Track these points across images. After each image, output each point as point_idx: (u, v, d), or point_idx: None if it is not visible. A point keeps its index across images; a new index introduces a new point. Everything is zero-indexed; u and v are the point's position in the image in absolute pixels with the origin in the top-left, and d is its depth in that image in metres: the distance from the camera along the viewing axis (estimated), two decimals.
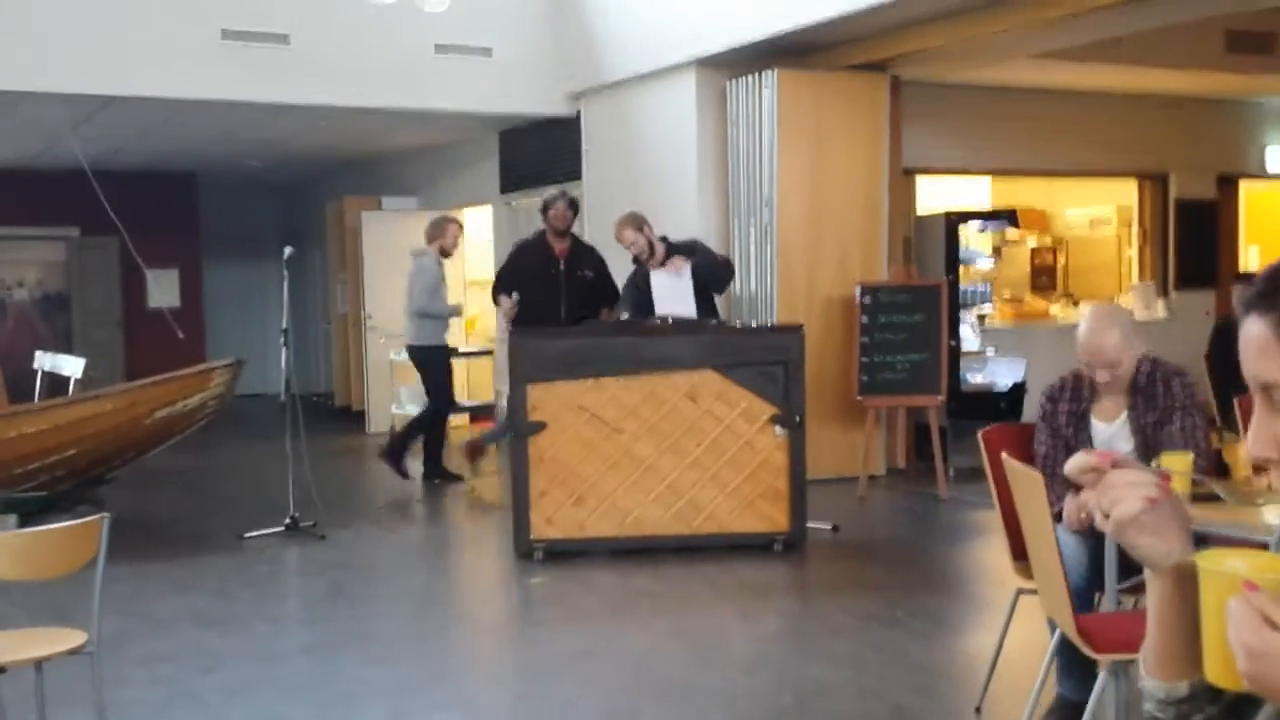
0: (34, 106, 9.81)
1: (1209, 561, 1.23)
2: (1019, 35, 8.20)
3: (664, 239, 7.71)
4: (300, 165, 14.43)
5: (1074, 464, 1.34)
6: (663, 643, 5.31)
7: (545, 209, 8.33)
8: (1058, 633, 3.93)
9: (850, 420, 8.81)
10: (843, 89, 8.94)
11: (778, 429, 6.72)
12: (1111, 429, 4.06)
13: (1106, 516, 1.31)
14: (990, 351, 9.53)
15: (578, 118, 10.65)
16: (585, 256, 8.37)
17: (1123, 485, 1.31)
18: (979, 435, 4.30)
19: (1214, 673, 1.23)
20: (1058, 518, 3.75)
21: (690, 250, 7.61)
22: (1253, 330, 1.26)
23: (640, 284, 7.57)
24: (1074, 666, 3.85)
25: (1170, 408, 4.01)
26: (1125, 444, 4.01)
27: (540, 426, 6.70)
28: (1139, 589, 3.89)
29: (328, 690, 4.77)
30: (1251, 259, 11.97)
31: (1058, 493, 3.87)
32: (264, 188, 16.25)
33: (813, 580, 6.45)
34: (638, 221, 7.69)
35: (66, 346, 13.40)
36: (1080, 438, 4.04)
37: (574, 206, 8.42)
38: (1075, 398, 4.07)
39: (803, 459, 6.77)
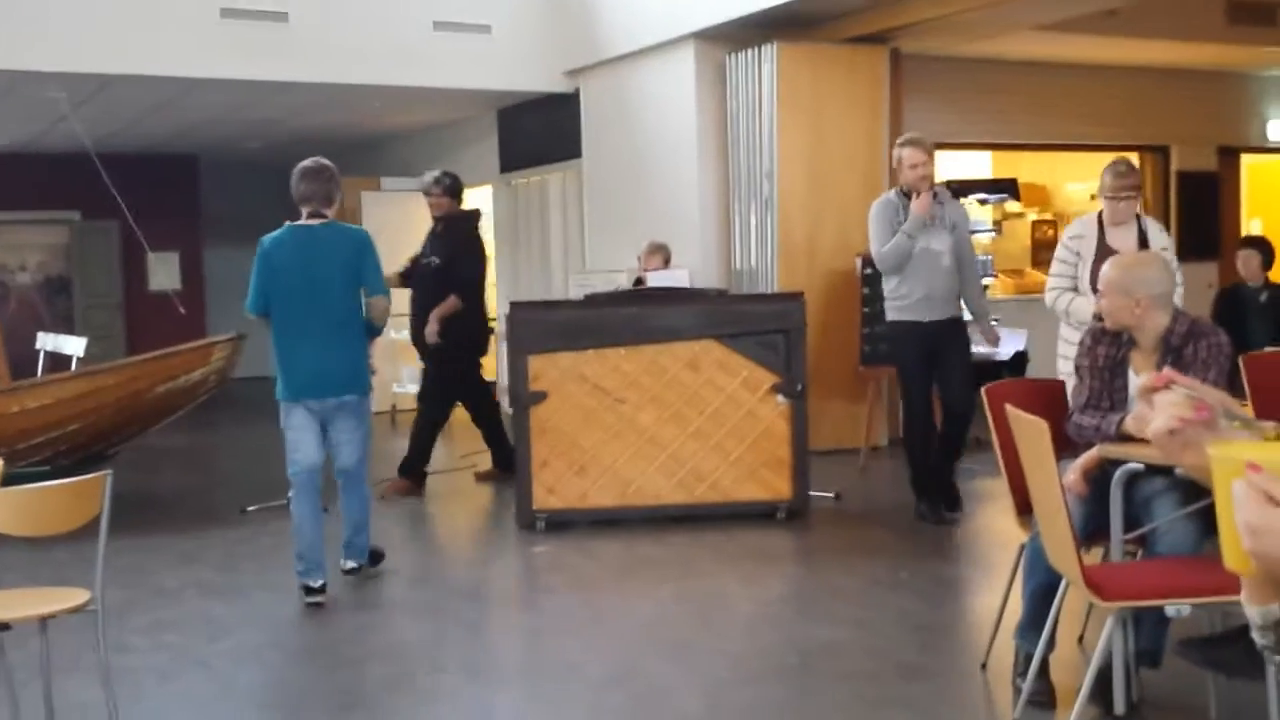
0: (32, 86, 9.78)
1: (1220, 450, 1.24)
2: (1019, 7, 8.19)
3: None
4: (300, 147, 14.30)
5: (1140, 385, 1.46)
6: (667, 607, 5.32)
7: (426, 194, 8.06)
8: (1030, 586, 3.94)
9: (852, 392, 8.81)
10: (843, 62, 8.92)
11: (779, 397, 6.72)
12: (1142, 379, 4.04)
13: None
14: (992, 322, 9.50)
15: (576, 95, 10.63)
16: (437, 241, 7.94)
17: (1161, 405, 1.42)
18: (982, 391, 4.30)
19: (1230, 558, 1.23)
20: (1110, 438, 3.80)
21: None
22: None
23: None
24: (1042, 619, 3.84)
25: (1196, 369, 4.02)
26: None
27: (541, 397, 6.70)
28: (1143, 540, 3.90)
29: (333, 654, 4.77)
30: (1253, 231, 11.95)
31: (1096, 423, 3.92)
32: (264, 170, 16.16)
33: (816, 546, 6.45)
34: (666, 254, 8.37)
35: (68, 329, 13.37)
36: (1116, 384, 4.03)
37: (451, 191, 7.96)
38: (1114, 343, 4.05)
39: (805, 427, 6.77)
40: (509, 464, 7.39)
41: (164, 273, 14.12)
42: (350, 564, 5.80)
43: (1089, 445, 3.95)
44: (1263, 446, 1.30)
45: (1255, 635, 1.33)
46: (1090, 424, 3.97)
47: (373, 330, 5.68)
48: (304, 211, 5.58)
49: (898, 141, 6.61)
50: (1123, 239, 5.55)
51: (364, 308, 5.56)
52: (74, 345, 9.35)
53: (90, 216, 14.70)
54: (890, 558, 5.97)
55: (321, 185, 5.53)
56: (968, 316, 6.70)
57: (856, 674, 4.34)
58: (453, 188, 8.14)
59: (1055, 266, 5.70)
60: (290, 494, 5.62)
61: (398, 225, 11.94)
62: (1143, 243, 5.58)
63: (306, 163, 5.66)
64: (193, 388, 7.53)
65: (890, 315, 6.60)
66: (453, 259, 7.88)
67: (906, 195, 6.45)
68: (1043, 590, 3.88)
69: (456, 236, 8.00)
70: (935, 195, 6.42)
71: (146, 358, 7.56)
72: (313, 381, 5.45)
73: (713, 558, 6.10)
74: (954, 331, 6.53)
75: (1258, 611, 1.31)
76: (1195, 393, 1.41)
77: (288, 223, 5.61)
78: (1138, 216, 5.69)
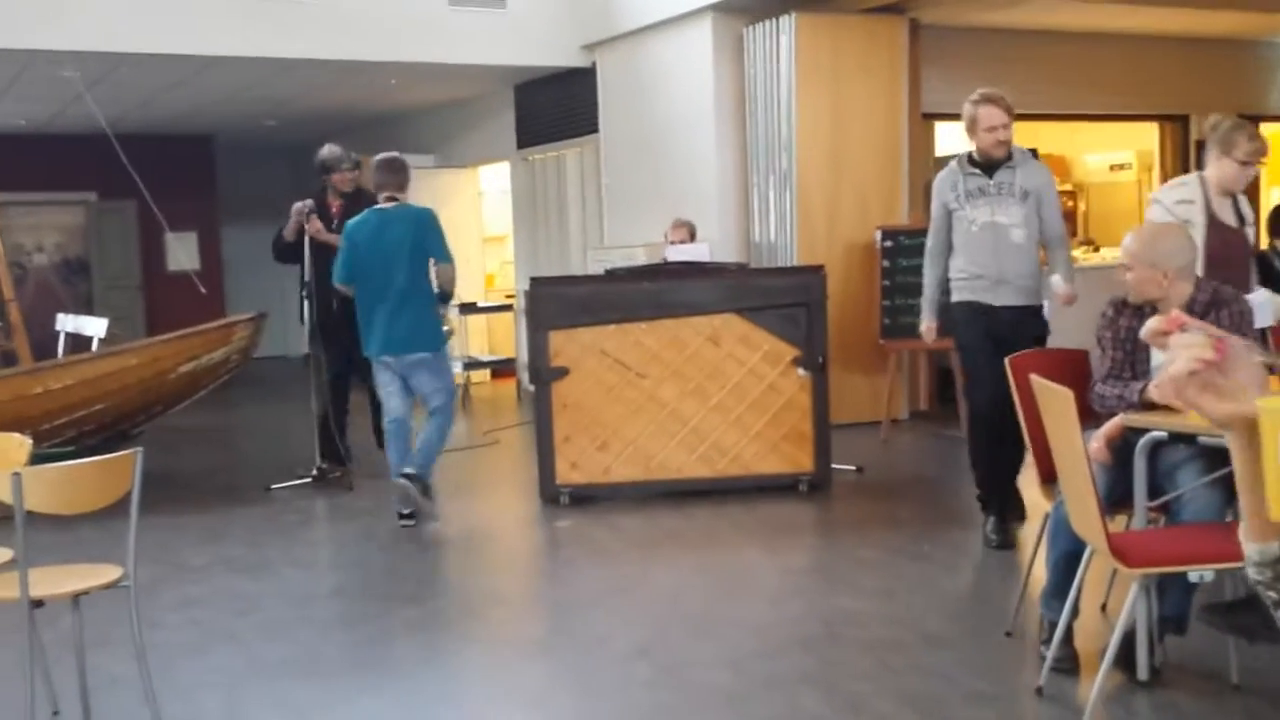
0: (47, 66, 9.80)
1: (1269, 402, 1.24)
2: None
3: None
4: (316, 125, 14.39)
5: (1148, 327, 1.41)
6: (690, 578, 5.34)
7: (329, 168, 7.68)
8: (1054, 554, 3.94)
9: (872, 365, 8.81)
10: (861, 32, 8.88)
11: (800, 370, 6.72)
12: (1150, 324, 4.00)
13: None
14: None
15: (593, 69, 10.60)
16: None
17: (1179, 347, 1.37)
18: (1006, 362, 4.29)
19: (1278, 509, 1.24)
20: (1133, 406, 3.79)
21: None
22: None
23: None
24: (1066, 587, 3.85)
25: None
26: None
27: (563, 372, 6.72)
28: (1166, 507, 3.90)
29: (361, 629, 4.81)
30: (1274, 201, 11.86)
31: (1119, 393, 3.94)
32: (281, 148, 16.22)
33: (838, 518, 6.46)
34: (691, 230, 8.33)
35: (87, 311, 13.43)
36: (1138, 355, 4.03)
37: (359, 167, 7.84)
38: (1136, 315, 4.03)
39: (826, 400, 6.77)
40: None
41: (182, 253, 14.16)
42: (408, 470, 6.39)
43: (1110, 415, 3.94)
44: None
45: (1250, 571, 1.34)
46: (1112, 393, 3.97)
47: (444, 295, 6.54)
48: (381, 197, 6.51)
49: (972, 97, 5.56)
50: (1228, 210, 4.98)
51: (433, 275, 6.40)
52: (95, 326, 9.40)
53: (107, 197, 14.74)
54: (913, 529, 5.98)
55: (394, 175, 6.52)
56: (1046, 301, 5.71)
57: (881, 643, 4.36)
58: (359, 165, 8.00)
59: None
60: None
61: (414, 201, 11.95)
62: (1237, 214, 5.03)
63: (383, 156, 6.64)
64: (215, 367, 7.58)
65: (953, 295, 5.72)
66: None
67: (976, 163, 5.56)
68: (1066, 559, 3.89)
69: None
70: (1010, 157, 5.52)
71: (169, 337, 7.60)
72: (387, 341, 6.36)
73: (735, 530, 6.12)
74: (1029, 322, 5.51)
75: (1256, 548, 1.33)
76: (1213, 331, 1.37)
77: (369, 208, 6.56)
78: None
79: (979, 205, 5.52)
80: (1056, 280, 5.62)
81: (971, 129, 5.56)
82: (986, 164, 5.53)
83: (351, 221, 6.51)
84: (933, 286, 5.81)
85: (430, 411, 6.51)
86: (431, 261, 6.44)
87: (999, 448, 5.47)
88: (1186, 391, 1.36)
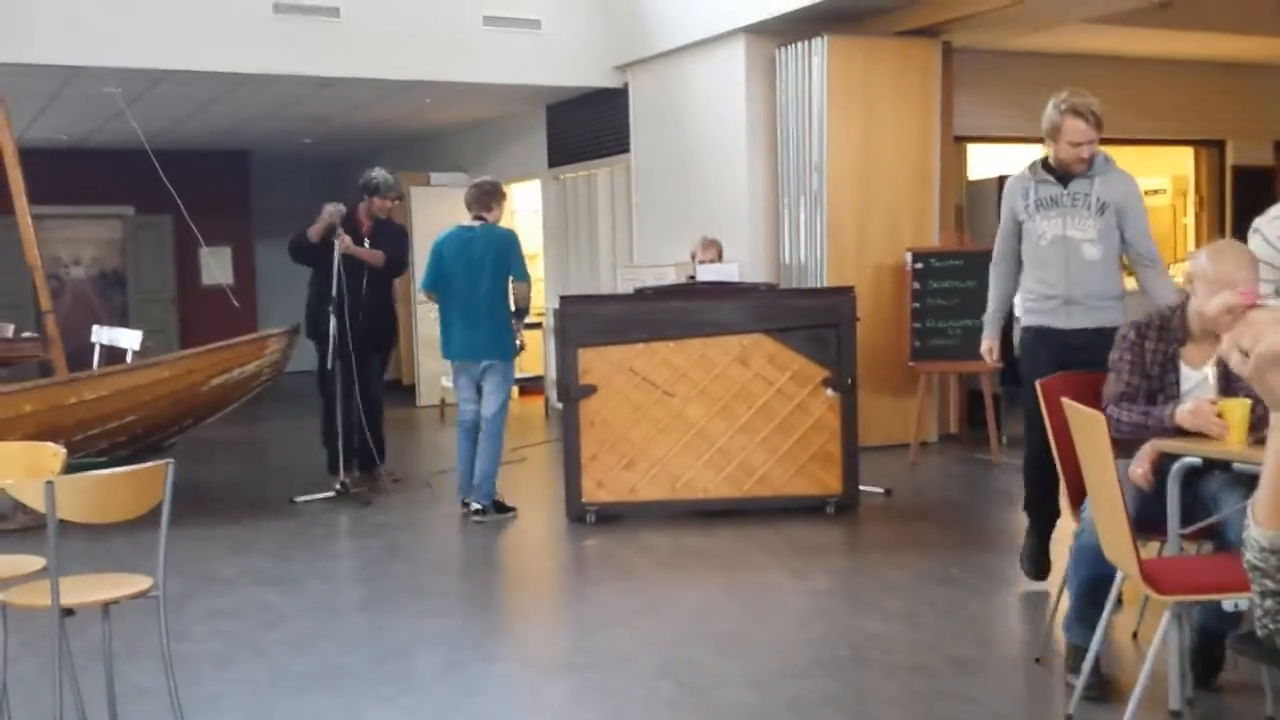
0: (88, 82, 9.93)
1: None
2: (1070, 0, 8.10)
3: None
4: (350, 142, 14.52)
5: (1216, 303, 1.36)
6: (716, 599, 5.33)
7: (377, 190, 7.90)
8: (1077, 579, 3.90)
9: (902, 387, 8.77)
10: (894, 55, 8.88)
11: (829, 391, 6.70)
12: (1198, 375, 3.94)
13: (1245, 356, 1.30)
14: None
15: (625, 89, 10.65)
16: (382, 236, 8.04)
17: (1267, 322, 1.31)
18: (1037, 384, 4.27)
19: None
20: (1125, 452, 3.71)
21: None
22: None
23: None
24: (1089, 612, 3.81)
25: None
26: (1209, 394, 3.87)
27: (591, 390, 6.72)
28: (1200, 535, 3.86)
29: (386, 643, 4.82)
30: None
31: (1141, 419, 3.83)
32: (315, 164, 16.37)
33: (866, 541, 6.43)
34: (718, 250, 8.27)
35: (122, 323, 13.57)
36: (1167, 379, 3.94)
37: (401, 199, 8.29)
38: (1164, 338, 3.95)
39: (855, 421, 6.75)
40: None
41: (217, 267, 14.28)
42: (475, 506, 7.03)
43: (1126, 439, 3.86)
44: None
45: (1252, 556, 1.32)
46: (1131, 418, 3.86)
47: (520, 311, 7.12)
48: (470, 215, 7.14)
49: (1058, 102, 4.99)
50: None
51: (511, 291, 7.02)
52: (129, 338, 9.47)
53: (144, 211, 14.90)
54: (941, 553, 5.94)
55: (482, 196, 7.13)
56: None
57: (908, 667, 4.33)
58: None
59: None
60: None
61: (446, 220, 11.95)
62: None
63: (479, 179, 7.32)
64: (247, 380, 7.62)
65: (1020, 318, 5.37)
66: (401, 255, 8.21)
67: (1051, 171, 5.07)
68: (1090, 584, 3.86)
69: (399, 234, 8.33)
70: (1089, 165, 5.01)
71: (202, 350, 7.65)
72: (463, 346, 7.02)
73: (762, 551, 6.10)
74: (1103, 347, 4.39)
75: (1265, 535, 1.31)
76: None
77: (456, 224, 7.22)
78: None
79: (1050, 217, 5.04)
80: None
81: (1054, 136, 5.03)
82: (1063, 172, 5.06)
83: (440, 236, 7.17)
84: (997, 300, 5.37)
85: (483, 418, 7.04)
86: (510, 279, 7.00)
87: (1052, 500, 4.98)
88: (1269, 372, 1.29)
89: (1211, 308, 1.14)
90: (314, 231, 7.71)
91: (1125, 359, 4.00)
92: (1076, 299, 4.99)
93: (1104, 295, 5.01)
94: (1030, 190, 5.10)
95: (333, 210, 7.72)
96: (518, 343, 7.19)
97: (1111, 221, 5.01)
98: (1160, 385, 3.96)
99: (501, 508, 7.07)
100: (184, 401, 7.52)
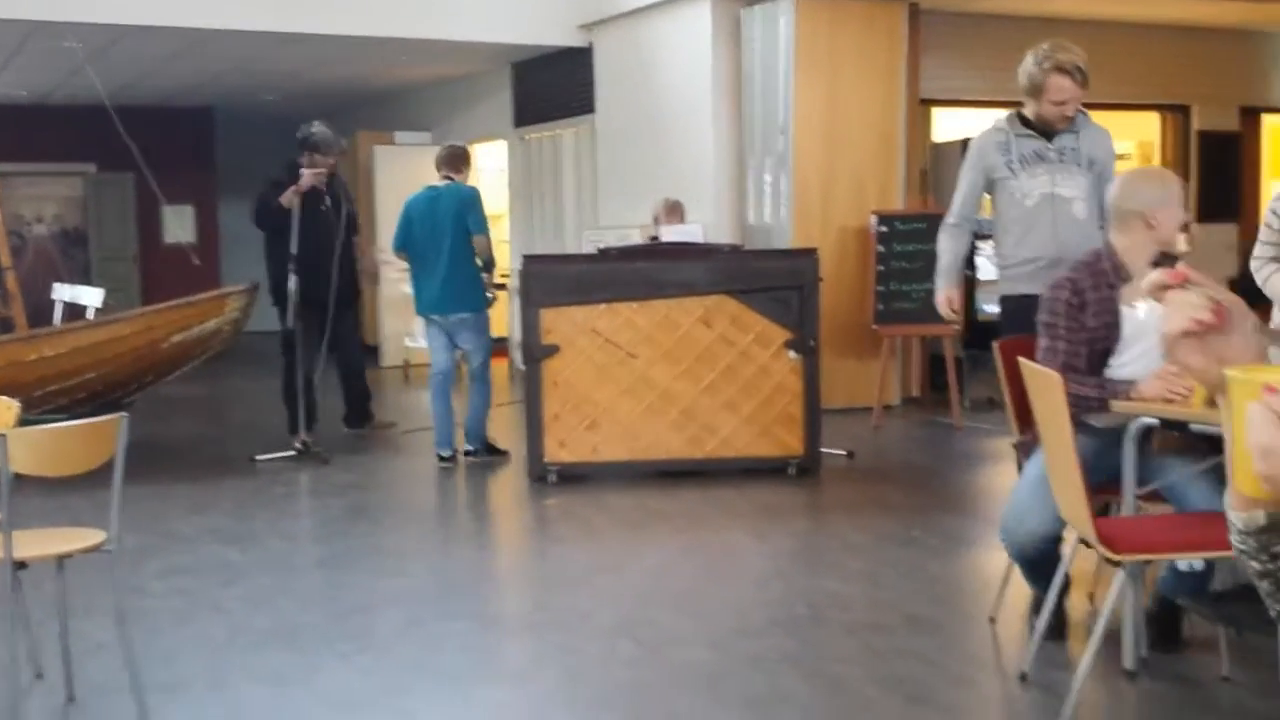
0: (48, 37, 9.76)
1: (1237, 372, 1.23)
2: None
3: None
4: (314, 100, 14.36)
5: (1150, 280, 1.35)
6: (676, 559, 5.35)
7: (317, 148, 7.71)
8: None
9: (865, 350, 8.80)
10: (860, 17, 8.85)
11: (792, 353, 6.71)
12: (1139, 313, 3.80)
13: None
14: None
15: (590, 49, 10.57)
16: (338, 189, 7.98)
17: (1177, 303, 1.32)
18: (994, 345, 4.29)
19: (1240, 481, 1.23)
20: (1075, 422, 3.69)
21: None
22: None
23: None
24: (1044, 566, 3.87)
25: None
26: (1151, 338, 3.88)
27: (553, 351, 6.71)
28: (1155, 496, 3.90)
29: (345, 600, 4.82)
30: (1275, 192, 11.86)
31: (1096, 391, 3.72)
32: (280, 123, 16.13)
33: (827, 502, 6.47)
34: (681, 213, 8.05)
35: (85, 282, 13.41)
36: (1111, 329, 3.80)
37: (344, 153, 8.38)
38: (1099, 285, 3.81)
39: (817, 383, 6.77)
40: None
41: (179, 225, 14.12)
42: (469, 447, 7.36)
43: (1087, 411, 3.79)
44: None
45: (1234, 539, 1.33)
46: (1085, 392, 3.69)
47: (486, 263, 7.35)
48: (439, 175, 7.39)
49: (1039, 59, 4.71)
50: None
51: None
52: (91, 296, 9.38)
53: (105, 169, 14.71)
54: (901, 514, 5.98)
55: (451, 158, 7.45)
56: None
57: (865, 626, 4.36)
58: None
59: (1261, 233, 4.49)
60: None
61: (410, 179, 11.87)
62: None
63: (449, 144, 7.68)
64: (207, 338, 7.56)
65: (1000, 286, 5.01)
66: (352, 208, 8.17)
67: (1029, 125, 4.81)
68: (1025, 567, 3.98)
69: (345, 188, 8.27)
70: (1072, 121, 4.79)
71: (162, 307, 7.59)
72: (434, 301, 7.25)
73: (723, 512, 6.12)
74: None
75: (1239, 517, 1.32)
76: (1213, 293, 1.34)
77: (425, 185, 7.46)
78: None
79: (1036, 174, 4.71)
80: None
81: (1034, 95, 4.76)
82: (1044, 127, 4.76)
83: (409, 197, 7.43)
84: (951, 254, 5.08)
85: (471, 374, 7.41)
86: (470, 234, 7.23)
87: None
88: (1178, 351, 1.33)
89: (1148, 283, 1.15)
90: (287, 198, 7.53)
91: (1061, 326, 3.80)
92: (1065, 261, 4.40)
93: None
94: (1010, 145, 4.79)
95: (315, 175, 7.57)
96: (489, 295, 7.43)
97: (1095, 180, 4.75)
98: (1104, 334, 3.80)
99: (493, 449, 7.37)
100: (144, 358, 7.46)
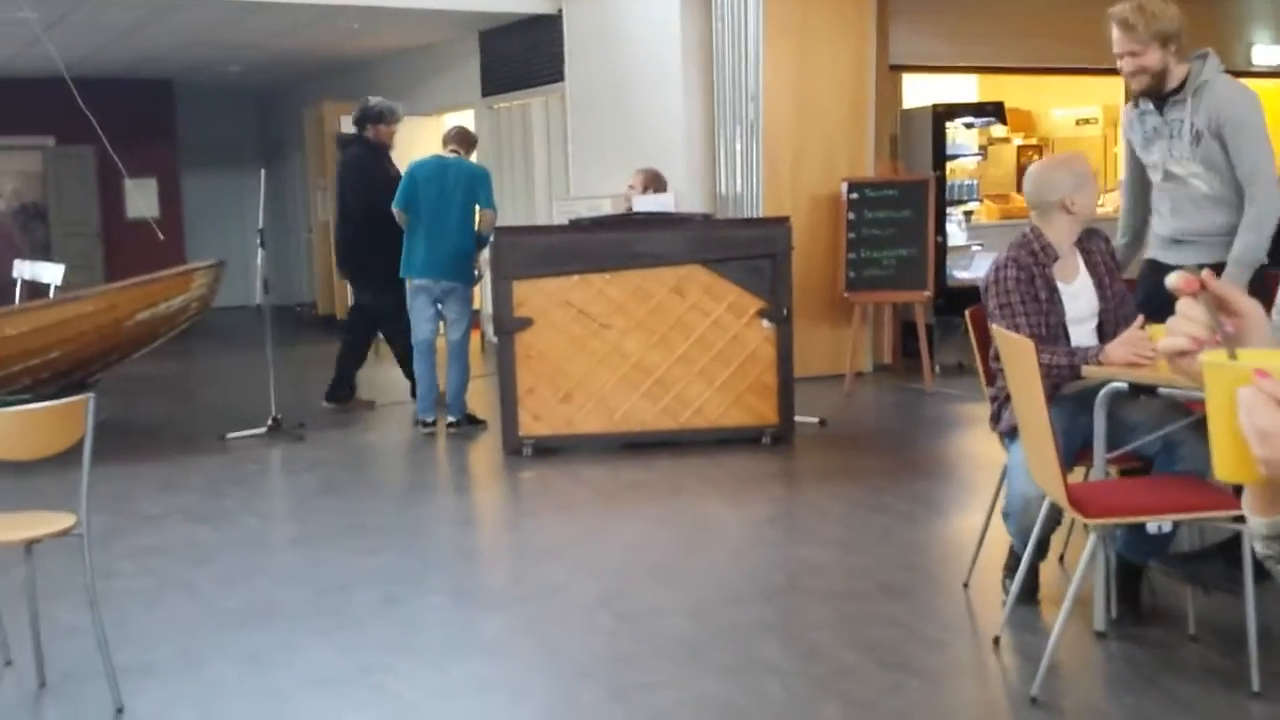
0: (2, 7, 9.58)
1: (1214, 358, 1.21)
2: None
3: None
4: (278, 71, 14.19)
5: (1169, 283, 1.30)
6: (652, 530, 5.34)
7: (381, 119, 7.96)
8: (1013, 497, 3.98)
9: (837, 318, 8.81)
10: None
11: (765, 322, 6.71)
12: (1073, 288, 4.02)
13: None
14: (976, 247, 9.51)
15: (559, 16, 10.47)
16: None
17: (1181, 317, 1.30)
18: (966, 312, 4.29)
19: (1223, 469, 1.22)
20: (1052, 395, 3.72)
21: None
22: None
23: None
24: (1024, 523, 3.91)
25: (1101, 269, 4.07)
26: (1090, 300, 4.02)
27: (526, 323, 6.67)
28: (1124, 459, 3.92)
29: (321, 578, 4.78)
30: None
31: (1067, 360, 3.82)
32: (242, 95, 15.99)
33: (801, 470, 6.48)
34: (660, 183, 7.90)
35: (45, 257, 13.23)
36: (1054, 304, 3.96)
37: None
38: (1040, 262, 3.97)
39: (790, 352, 6.76)
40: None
41: (142, 199, 13.94)
42: (450, 419, 7.51)
43: (1062, 380, 3.86)
44: (1268, 354, 1.26)
45: (1258, 545, 1.30)
46: (1056, 362, 3.79)
47: (480, 238, 7.46)
48: (446, 149, 7.63)
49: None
50: None
51: (476, 220, 7.41)
52: (51, 273, 9.26)
53: (65, 142, 14.48)
54: (874, 481, 6.00)
55: (462, 136, 7.71)
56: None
57: (841, 593, 4.37)
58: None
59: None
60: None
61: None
62: None
63: (458, 125, 7.96)
64: (174, 315, 7.48)
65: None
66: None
67: (1148, 95, 4.31)
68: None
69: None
70: (1180, 88, 4.22)
71: (127, 284, 7.50)
72: (425, 264, 7.37)
73: (698, 482, 6.12)
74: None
75: (1263, 522, 1.29)
76: (1229, 300, 1.30)
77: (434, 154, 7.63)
78: None
79: (1154, 150, 4.35)
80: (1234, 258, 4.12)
81: None
82: (1158, 96, 4.29)
83: (416, 161, 7.56)
84: (1122, 230, 4.68)
85: (450, 346, 7.49)
86: (477, 209, 7.39)
87: None
88: (1178, 366, 1.31)
89: (1167, 284, 1.12)
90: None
91: (1018, 303, 3.90)
92: (1184, 240, 4.31)
93: (1222, 231, 4.23)
94: (1134, 123, 4.44)
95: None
96: (476, 272, 7.63)
97: (1215, 148, 4.19)
98: (1051, 310, 3.95)
99: (473, 420, 7.53)
100: (109, 337, 7.37)
